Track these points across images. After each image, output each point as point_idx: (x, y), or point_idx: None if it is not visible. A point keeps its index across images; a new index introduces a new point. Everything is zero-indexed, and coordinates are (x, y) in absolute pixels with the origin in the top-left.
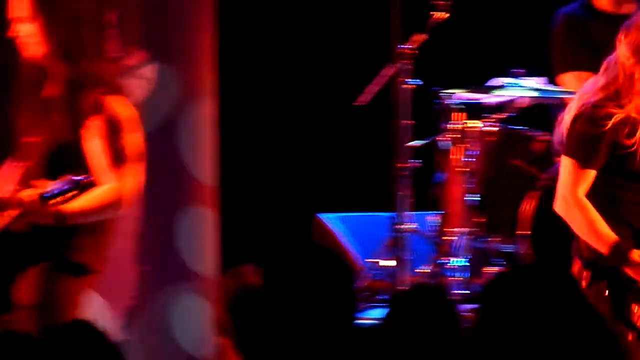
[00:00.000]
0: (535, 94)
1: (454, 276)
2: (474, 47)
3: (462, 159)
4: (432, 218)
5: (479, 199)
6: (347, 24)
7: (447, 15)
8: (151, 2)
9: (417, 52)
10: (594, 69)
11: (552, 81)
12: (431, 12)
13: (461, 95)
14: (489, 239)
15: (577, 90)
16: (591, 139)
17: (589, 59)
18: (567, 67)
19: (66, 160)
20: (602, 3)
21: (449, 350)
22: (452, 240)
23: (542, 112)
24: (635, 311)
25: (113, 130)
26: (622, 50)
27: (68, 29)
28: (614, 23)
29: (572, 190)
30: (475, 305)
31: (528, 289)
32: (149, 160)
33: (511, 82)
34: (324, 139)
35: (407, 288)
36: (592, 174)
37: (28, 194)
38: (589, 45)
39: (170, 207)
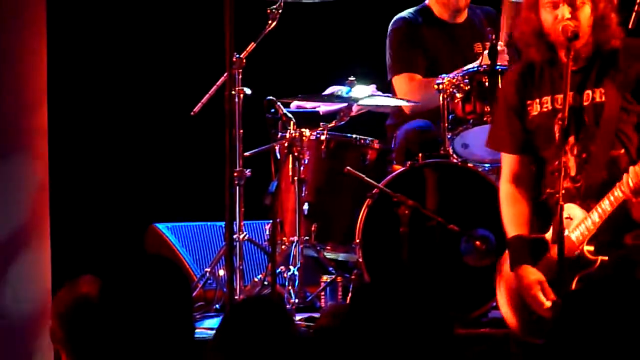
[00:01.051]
0: (368, 102)
1: (288, 285)
2: (307, 56)
3: (296, 168)
4: (266, 227)
5: (312, 207)
6: (181, 33)
7: (274, 23)
8: None
9: (245, 60)
10: (428, 72)
11: (382, 88)
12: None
13: (294, 103)
14: (323, 248)
15: (409, 91)
16: None
17: (422, 62)
18: (400, 69)
19: None
20: (439, 12)
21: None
22: (286, 249)
23: (375, 120)
24: None
25: None
26: None
27: None
28: (449, 31)
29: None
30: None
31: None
32: None
33: (344, 90)
34: (157, 149)
35: (241, 297)
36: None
37: None
38: (423, 50)
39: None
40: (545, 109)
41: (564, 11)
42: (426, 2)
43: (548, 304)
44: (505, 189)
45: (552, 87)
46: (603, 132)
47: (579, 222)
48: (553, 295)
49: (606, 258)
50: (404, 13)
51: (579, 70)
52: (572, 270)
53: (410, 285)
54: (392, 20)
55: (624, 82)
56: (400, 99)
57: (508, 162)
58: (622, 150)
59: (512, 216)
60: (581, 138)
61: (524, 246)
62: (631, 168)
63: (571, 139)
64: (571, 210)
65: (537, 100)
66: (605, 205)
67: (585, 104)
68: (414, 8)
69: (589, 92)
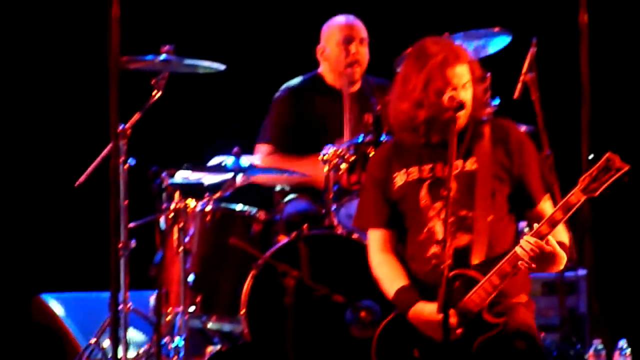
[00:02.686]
0: (255, 173)
1: (173, 356)
2: (192, 126)
3: (181, 239)
4: (151, 297)
5: (198, 278)
6: (66, 102)
7: (159, 93)
8: None
9: (130, 131)
10: (316, 141)
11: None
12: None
13: (179, 174)
14: (208, 318)
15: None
16: None
17: (287, 138)
18: (263, 138)
19: None
20: (333, 80)
21: None
22: (171, 319)
23: (261, 190)
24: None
25: None
26: None
27: None
28: (341, 100)
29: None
30: None
31: None
32: None
33: (229, 161)
34: (43, 219)
35: None
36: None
37: None
38: (311, 119)
39: None
40: (411, 178)
41: (450, 87)
42: (318, 70)
43: (453, 320)
44: (376, 258)
45: (419, 158)
46: (479, 199)
47: (474, 288)
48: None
49: (503, 320)
50: (293, 82)
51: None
52: (472, 334)
53: None
54: (280, 89)
55: (493, 155)
56: (284, 170)
57: (375, 236)
58: (500, 215)
59: (389, 275)
60: (448, 204)
61: (411, 290)
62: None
63: (437, 205)
64: (460, 280)
65: (404, 171)
66: (503, 268)
67: (454, 172)
68: (304, 76)
69: (460, 161)
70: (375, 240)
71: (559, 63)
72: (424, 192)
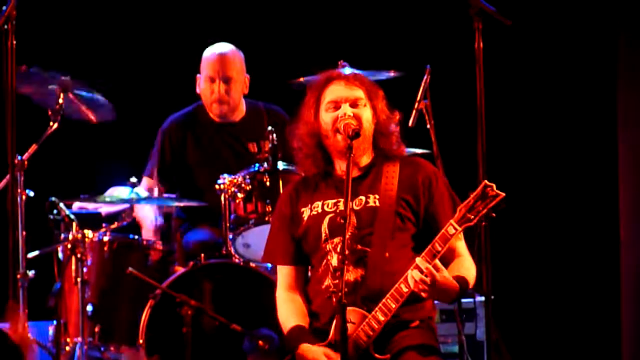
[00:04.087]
0: (150, 202)
1: None
2: (87, 157)
3: (79, 269)
4: (50, 328)
5: (96, 308)
6: None
7: (56, 125)
8: None
9: (27, 162)
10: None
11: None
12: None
13: (76, 205)
14: (106, 348)
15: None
16: None
17: (166, 169)
18: (145, 171)
19: None
20: (211, 113)
21: None
22: (70, 349)
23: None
24: None
25: None
26: None
27: None
28: (221, 131)
29: None
30: None
31: None
32: None
33: (125, 191)
34: None
35: None
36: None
37: None
38: (194, 149)
39: None
40: (315, 212)
41: (346, 109)
42: (200, 101)
43: None
44: (280, 294)
45: (324, 194)
46: (377, 235)
47: (362, 322)
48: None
49: (388, 357)
50: (177, 114)
51: (355, 178)
52: None
53: None
54: (166, 121)
55: (399, 193)
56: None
57: (282, 272)
58: (401, 253)
59: (289, 312)
60: (347, 238)
61: (304, 331)
62: (416, 260)
63: (336, 239)
64: (351, 314)
65: (309, 206)
66: (389, 304)
67: (356, 207)
68: (187, 108)
69: (362, 197)
70: (281, 276)
71: (453, 90)
72: (324, 226)
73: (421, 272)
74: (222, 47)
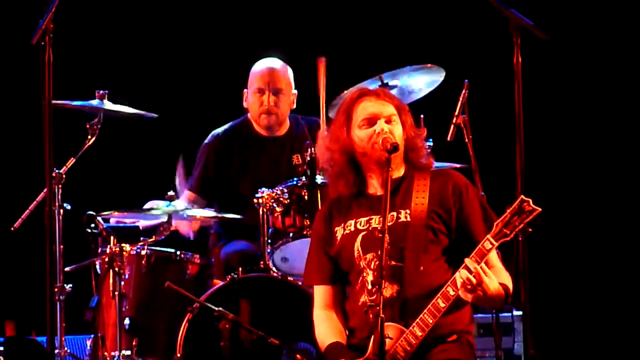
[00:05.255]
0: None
1: None
2: (126, 171)
3: (116, 283)
4: (88, 342)
5: (133, 322)
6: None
7: (94, 138)
8: None
9: (65, 176)
10: (246, 185)
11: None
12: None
13: (114, 218)
14: None
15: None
16: None
17: (209, 183)
18: (187, 185)
19: None
20: (258, 127)
21: None
22: None
23: (199, 234)
24: None
25: None
26: None
27: None
28: (266, 145)
29: None
30: None
31: None
32: None
33: (163, 205)
34: None
35: None
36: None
37: None
38: (238, 164)
39: None
40: (348, 231)
41: (382, 125)
42: (247, 115)
43: None
44: (317, 313)
45: (357, 213)
46: (410, 249)
47: (400, 337)
48: None
49: None
50: (221, 129)
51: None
52: None
53: None
54: (209, 135)
55: (430, 206)
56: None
57: (319, 292)
58: (435, 267)
59: (326, 330)
60: (380, 255)
61: (342, 348)
62: (465, 260)
63: (369, 256)
64: (389, 329)
65: (343, 225)
66: (426, 318)
67: (388, 224)
68: (232, 122)
69: (394, 213)
70: (318, 295)
71: (492, 104)
72: (357, 244)
73: (470, 272)
74: (272, 61)
